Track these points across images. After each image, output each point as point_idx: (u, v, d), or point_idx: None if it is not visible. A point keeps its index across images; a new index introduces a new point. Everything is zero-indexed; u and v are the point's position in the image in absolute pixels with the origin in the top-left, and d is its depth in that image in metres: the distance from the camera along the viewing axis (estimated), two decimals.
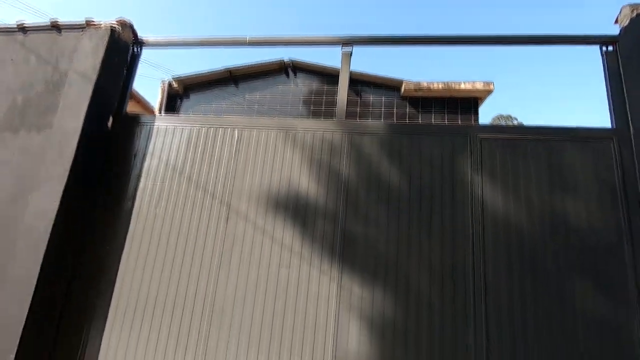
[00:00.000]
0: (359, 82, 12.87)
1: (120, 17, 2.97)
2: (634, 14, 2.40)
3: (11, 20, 3.19)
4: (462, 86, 11.55)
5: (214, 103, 10.69)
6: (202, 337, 2.36)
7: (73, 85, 2.74)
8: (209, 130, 2.80)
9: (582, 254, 2.20)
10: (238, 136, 2.74)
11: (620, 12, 2.52)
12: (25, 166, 2.67)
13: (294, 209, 2.52)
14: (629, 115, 2.35)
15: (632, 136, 2.31)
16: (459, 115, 12.14)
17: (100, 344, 2.43)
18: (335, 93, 11.72)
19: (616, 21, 2.57)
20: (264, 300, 2.37)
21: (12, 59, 3.01)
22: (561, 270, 2.18)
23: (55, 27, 3.00)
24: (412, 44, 2.93)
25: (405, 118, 12.43)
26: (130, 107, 3.14)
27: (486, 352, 2.10)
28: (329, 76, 12.67)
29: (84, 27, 2.96)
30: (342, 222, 2.45)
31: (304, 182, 2.57)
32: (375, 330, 2.23)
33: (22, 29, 3.06)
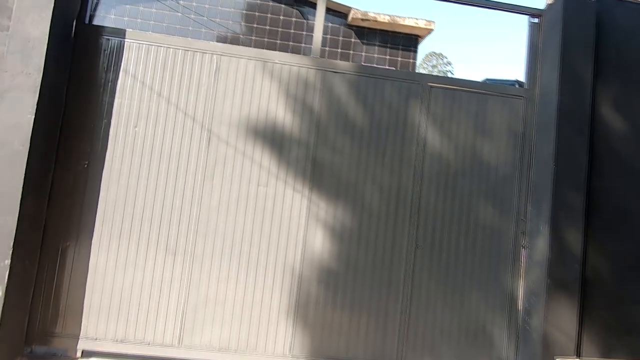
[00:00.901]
0: (306, 3, 12.28)
1: None
2: None
3: None
4: (406, 22, 11.84)
5: (141, 4, 9.43)
6: (189, 244, 2.75)
7: None
8: (186, 53, 2.84)
9: (488, 181, 3.00)
10: (217, 63, 2.85)
11: None
12: None
13: (271, 136, 2.86)
14: (537, 81, 3.05)
15: (536, 97, 3.03)
16: (400, 52, 12.61)
17: (89, 258, 2.67)
18: (280, 11, 11.14)
19: None
20: (245, 212, 2.80)
21: None
22: (472, 193, 2.97)
23: None
24: None
25: (350, 48, 12.51)
26: None
27: (415, 250, 2.89)
28: None
29: None
30: (313, 149, 2.88)
31: (281, 112, 2.88)
32: (336, 235, 2.86)
33: None
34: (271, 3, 11.94)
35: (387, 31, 11.11)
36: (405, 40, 12.62)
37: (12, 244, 2.36)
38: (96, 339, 2.66)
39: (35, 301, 2.61)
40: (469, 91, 3.07)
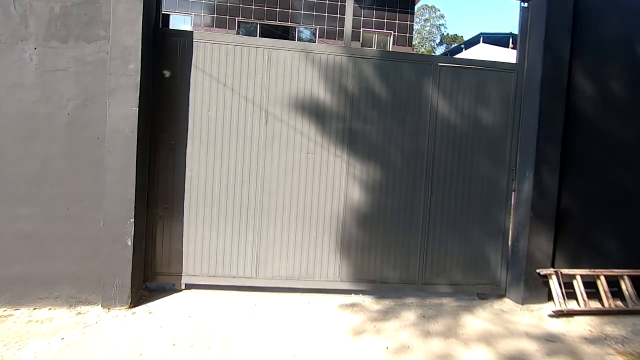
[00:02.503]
0: None
1: None
2: None
3: None
4: None
5: None
6: (258, 200, 3.56)
7: (121, 2, 3.08)
8: (243, 48, 3.49)
9: (486, 141, 3.79)
10: (269, 55, 3.51)
11: None
12: (87, 75, 3.15)
13: (315, 112, 3.59)
14: (526, 56, 3.75)
15: (524, 70, 3.75)
16: (397, 14, 12.87)
17: (182, 216, 3.48)
18: None
19: None
20: (299, 174, 3.59)
21: None
22: (474, 151, 3.77)
23: None
24: None
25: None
26: None
27: (431, 196, 3.74)
28: None
29: None
30: (349, 122, 3.62)
31: (322, 93, 3.59)
32: (369, 188, 3.69)
33: None
34: None
35: None
36: (402, 2, 12.88)
37: (133, 206, 3.17)
38: (194, 275, 3.55)
39: (147, 250, 3.46)
40: (470, 68, 3.77)
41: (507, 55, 14.24)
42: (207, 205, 3.51)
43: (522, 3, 3.81)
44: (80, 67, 3.14)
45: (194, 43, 3.43)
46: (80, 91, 3.15)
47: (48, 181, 3.14)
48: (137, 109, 3.13)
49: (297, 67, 3.55)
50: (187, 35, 3.44)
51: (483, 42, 20.12)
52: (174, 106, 3.44)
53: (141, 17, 3.10)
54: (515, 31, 3.69)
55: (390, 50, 13.00)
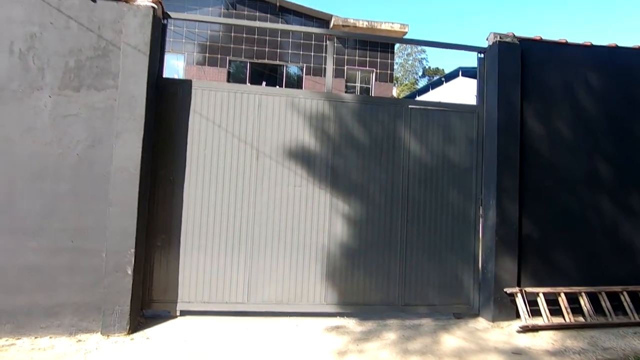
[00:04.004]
0: (291, 12, 13.32)
1: None
2: (496, 39, 4.19)
3: None
4: (383, 26, 13.06)
5: None
6: (249, 231, 3.89)
7: (129, 57, 3.51)
8: (236, 94, 3.94)
9: (454, 174, 4.25)
10: (259, 100, 3.96)
11: (489, 34, 4.30)
12: (95, 120, 3.52)
13: (301, 151, 4.01)
14: (484, 99, 4.31)
15: (484, 111, 4.30)
16: (379, 53, 13.80)
17: (179, 245, 3.78)
18: (264, 21, 12.13)
19: (487, 39, 4.36)
20: (287, 205, 3.95)
21: (51, 23, 3.51)
22: (444, 183, 4.22)
23: None
24: None
25: (333, 52, 13.52)
26: None
27: (406, 225, 4.13)
28: (259, 1, 12.78)
29: (118, 0, 3.58)
30: (331, 160, 4.05)
31: (306, 133, 4.03)
32: (351, 219, 4.06)
33: None
34: (258, 14, 12.89)
35: (366, 34, 12.28)
36: (383, 45, 13.82)
37: (134, 238, 3.45)
38: (189, 302, 3.79)
39: (145, 278, 3.71)
40: (437, 109, 4.29)
41: None
42: (202, 235, 3.82)
43: (479, 54, 4.41)
44: (90, 113, 3.52)
45: (192, 90, 3.87)
46: (89, 134, 3.51)
47: (55, 216, 3.41)
48: (141, 149, 3.49)
49: (284, 111, 4.01)
50: (186, 84, 3.88)
51: (462, 75, 21.40)
52: (174, 145, 3.82)
53: (146, 69, 3.53)
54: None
55: (373, 84, 13.83)
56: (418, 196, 4.18)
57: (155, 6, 3.62)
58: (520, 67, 4.17)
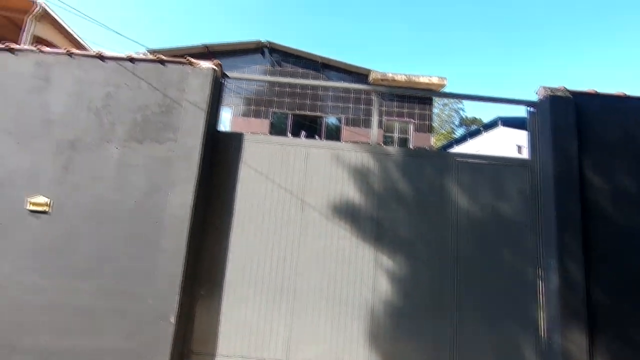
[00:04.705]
0: (332, 68, 14.09)
1: (216, 60, 4.01)
2: (547, 93, 4.11)
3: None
4: (421, 79, 13.38)
5: None
6: (292, 283, 3.81)
7: (189, 113, 3.81)
8: (284, 147, 4.08)
9: (508, 231, 3.99)
10: (306, 152, 4.07)
11: (538, 89, 4.23)
12: (155, 170, 3.76)
13: (345, 203, 3.98)
14: (537, 153, 4.14)
15: (537, 165, 4.10)
16: (417, 104, 14.04)
17: (221, 297, 3.76)
18: (307, 77, 12.87)
19: (537, 92, 4.29)
20: (330, 259, 3.86)
21: (126, 84, 3.93)
22: (498, 241, 3.96)
23: (161, 61, 3.96)
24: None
25: (370, 104, 14.05)
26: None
27: (457, 285, 3.85)
28: (303, 59, 13.73)
29: (184, 63, 3.96)
30: (376, 213, 3.98)
31: (351, 187, 4.03)
32: (397, 277, 3.87)
33: (131, 59, 3.95)
34: (300, 70, 13.76)
35: (404, 88, 12.59)
36: (422, 98, 14.06)
37: (181, 285, 3.48)
38: (227, 356, 3.66)
39: (187, 327, 3.67)
40: (485, 163, 4.16)
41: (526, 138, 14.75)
42: (244, 285, 3.78)
43: (528, 108, 4.32)
44: (151, 163, 3.77)
45: (244, 143, 4.07)
46: (148, 182, 3.73)
47: (109, 258, 3.56)
48: (193, 198, 3.64)
49: (329, 163, 4.07)
50: (239, 137, 4.10)
51: (502, 125, 21.04)
52: (223, 195, 3.95)
53: (204, 123, 3.79)
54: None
55: (412, 135, 13.89)
56: (469, 254, 3.93)
57: (216, 68, 3.97)
58: (576, 119, 4.01)
